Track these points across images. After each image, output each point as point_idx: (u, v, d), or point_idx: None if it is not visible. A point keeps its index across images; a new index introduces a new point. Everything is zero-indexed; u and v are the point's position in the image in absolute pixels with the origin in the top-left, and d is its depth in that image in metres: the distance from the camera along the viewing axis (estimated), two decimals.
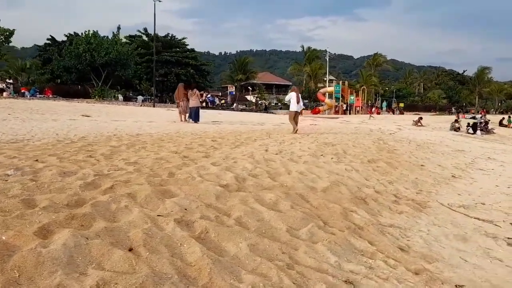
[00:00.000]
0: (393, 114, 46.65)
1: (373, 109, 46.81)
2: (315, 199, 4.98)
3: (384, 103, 55.21)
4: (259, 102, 56.08)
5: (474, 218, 6.09)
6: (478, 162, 12.46)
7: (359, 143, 10.55)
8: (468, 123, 24.18)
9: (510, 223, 6.06)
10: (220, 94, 72.22)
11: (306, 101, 54.59)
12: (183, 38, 54.37)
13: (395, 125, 24.29)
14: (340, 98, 43.17)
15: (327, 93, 45.31)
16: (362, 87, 47.02)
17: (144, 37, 54.45)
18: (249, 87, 69.72)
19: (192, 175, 4.87)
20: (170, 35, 54.26)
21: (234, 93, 65.14)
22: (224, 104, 53.35)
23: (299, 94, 13.03)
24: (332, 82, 46.42)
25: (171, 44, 52.47)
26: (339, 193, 5.50)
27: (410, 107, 59.62)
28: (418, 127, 24.78)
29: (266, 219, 4.03)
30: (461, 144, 17.30)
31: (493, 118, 36.59)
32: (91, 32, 44.04)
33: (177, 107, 20.26)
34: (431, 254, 4.30)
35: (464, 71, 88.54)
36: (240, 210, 4.02)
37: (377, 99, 65.49)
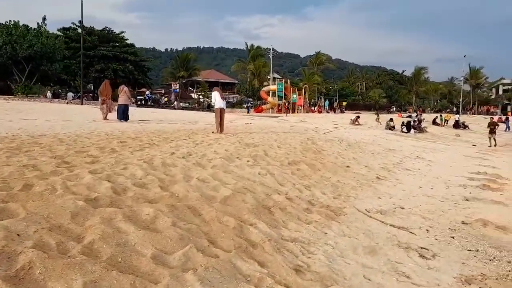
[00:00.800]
0: (334, 112, 47.38)
1: (315, 107, 47.41)
2: (209, 212, 4.29)
3: (327, 102, 56.13)
4: (202, 100, 54.91)
5: (390, 225, 5.70)
6: (406, 162, 12.43)
7: (285, 143, 10.06)
8: (403, 122, 24.73)
9: (426, 230, 5.73)
10: (163, 91, 70.18)
11: (251, 99, 54.18)
12: (122, 32, 51.96)
13: (333, 124, 24.35)
14: (283, 97, 43.13)
15: (270, 92, 45.11)
16: (305, 86, 47.28)
17: (80, 30, 51.40)
18: (194, 84, 68.33)
19: (55, 186, 4.01)
20: (107, 29, 51.66)
21: (178, 90, 63.44)
22: (167, 102, 51.71)
23: (222, 94, 12.44)
24: (276, 81, 46.27)
25: (108, 38, 49.92)
26: (242, 202, 4.86)
27: (352, 106, 61.05)
28: (355, 126, 25.01)
29: (130, 242, 3.28)
30: (393, 143, 17.46)
31: (429, 117, 38.05)
32: (11, 22, 40.53)
33: (101, 104, 18.65)
34: (331, 274, 3.75)
35: (403, 71, 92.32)
36: (97, 232, 3.24)
37: (320, 98, 66.50)
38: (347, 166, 9.45)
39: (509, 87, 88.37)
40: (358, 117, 26.73)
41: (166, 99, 57.57)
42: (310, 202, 5.95)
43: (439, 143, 20.58)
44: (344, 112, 47.28)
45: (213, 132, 11.96)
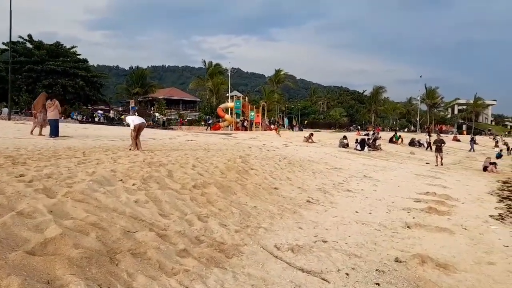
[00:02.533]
0: (292, 130, 46.59)
1: (273, 126, 46.46)
2: None
3: (286, 120, 55.47)
4: (158, 117, 52.88)
5: (298, 269, 4.33)
6: (350, 182, 11.26)
7: (206, 162, 8.65)
8: (356, 139, 23.92)
9: (346, 274, 4.39)
10: (120, 109, 67.67)
11: (209, 117, 52.76)
12: (73, 47, 49.53)
13: (285, 141, 23.24)
14: (241, 114, 41.98)
15: (228, 109, 43.89)
16: (262, 103, 46.34)
17: (28, 44, 48.71)
18: (153, 102, 66.25)
19: None
20: (58, 44, 49.06)
21: (136, 108, 61.23)
22: (120, 120, 49.33)
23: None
24: (233, 98, 45.12)
25: (58, 53, 47.32)
26: (71, 247, 3.34)
27: (312, 124, 60.67)
28: (309, 143, 24.00)
29: None
30: (342, 161, 16.40)
31: (386, 135, 37.75)
32: None
33: (34, 118, 17.06)
34: None
35: (364, 91, 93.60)
36: None
37: (281, 116, 65.90)
38: (275, 188, 8.11)
39: (464, 107, 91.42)
40: (312, 134, 25.76)
41: (123, 116, 55.13)
42: (198, 239, 4.52)
43: (391, 161, 19.75)
44: (302, 130, 46.57)
45: (130, 148, 10.42)
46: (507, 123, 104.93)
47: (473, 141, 37.90)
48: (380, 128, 62.14)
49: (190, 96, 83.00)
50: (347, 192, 9.53)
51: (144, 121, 10.44)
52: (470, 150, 33.71)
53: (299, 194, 8.21)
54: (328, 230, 6.03)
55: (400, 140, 33.52)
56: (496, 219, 8.81)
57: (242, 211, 5.90)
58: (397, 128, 54.37)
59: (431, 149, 30.41)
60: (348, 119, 79.94)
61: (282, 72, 60.28)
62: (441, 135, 55.81)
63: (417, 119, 69.27)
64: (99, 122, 39.73)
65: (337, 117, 75.36)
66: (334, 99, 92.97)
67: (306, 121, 65.99)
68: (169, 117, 60.09)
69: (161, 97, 76.57)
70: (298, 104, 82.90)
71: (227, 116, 41.70)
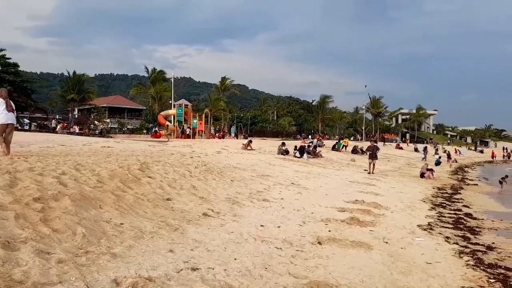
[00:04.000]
0: (237, 138, 45.44)
1: (219, 133, 45.08)
2: None
3: (233, 128, 54.28)
4: (97, 125, 49.89)
5: None
6: (272, 190, 10.08)
7: (86, 169, 7.12)
8: (295, 146, 23.03)
9: None
10: (59, 116, 63.55)
11: (152, 125, 50.49)
12: (2, 50, 45.69)
13: (222, 148, 21.92)
14: (183, 121, 40.18)
15: (172, 116, 41.96)
16: (206, 111, 44.81)
17: None
18: (93, 110, 62.84)
19: None
20: None
21: (76, 116, 57.71)
22: (54, 128, 45.93)
23: (11, 102, 8.72)
24: (175, 106, 43.26)
25: None
26: None
27: (259, 133, 59.84)
28: (247, 150, 22.84)
29: None
30: (274, 168, 15.29)
31: (331, 143, 37.38)
32: None
33: None
34: None
35: (313, 101, 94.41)
36: None
37: (230, 124, 64.64)
38: (167, 199, 6.73)
39: (407, 116, 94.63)
40: (251, 141, 24.60)
41: (60, 125, 51.55)
42: None
43: (329, 168, 18.93)
44: (247, 138, 45.55)
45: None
46: (447, 132, 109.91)
47: (425, 151, 38.87)
48: (326, 136, 62.41)
49: (136, 104, 79.89)
50: (263, 202, 8.30)
51: (13, 121, 8.47)
52: (423, 159, 34.12)
53: (198, 206, 6.87)
54: (210, 252, 4.72)
55: (343, 147, 33.21)
56: (424, 229, 7.94)
57: (93, 231, 4.46)
58: (343, 137, 54.69)
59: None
60: (297, 128, 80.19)
61: (228, 80, 59.04)
62: (386, 143, 57.18)
63: (363, 128, 70.37)
64: (25, 130, 36.45)
65: (286, 126, 75.29)
66: (284, 109, 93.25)
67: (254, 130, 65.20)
68: (111, 126, 57.13)
69: (105, 105, 73.04)
70: (248, 113, 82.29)
71: (169, 124, 39.76)
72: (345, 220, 7.60)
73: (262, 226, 6.34)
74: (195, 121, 40.29)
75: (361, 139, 63.78)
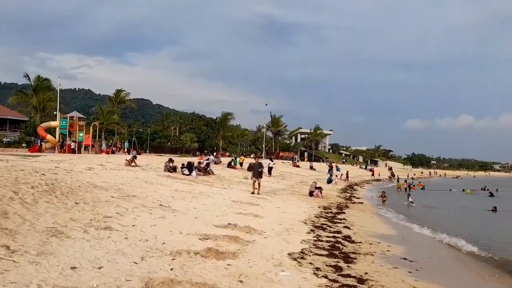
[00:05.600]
0: (128, 153, 42.41)
1: (109, 148, 41.58)
2: None
3: (127, 143, 50.81)
4: None
5: None
6: (127, 215, 8.40)
7: None
8: (183, 164, 21.43)
9: None
10: None
11: (34, 138, 45.05)
12: None
13: (99, 164, 19.50)
14: (67, 134, 36.17)
15: (55, 128, 37.55)
16: (94, 124, 41.02)
17: None
18: None
19: None
20: None
21: None
22: None
23: None
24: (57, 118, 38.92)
25: None
26: None
27: (157, 149, 56.97)
28: (131, 167, 20.69)
29: None
30: (149, 187, 13.54)
31: (226, 160, 36.37)
32: None
33: None
34: None
35: (217, 118, 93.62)
36: None
37: (128, 139, 60.67)
38: None
39: (306, 135, 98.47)
40: (135, 157, 22.43)
41: None
42: None
43: (216, 187, 17.64)
44: (140, 154, 42.77)
45: None
46: (342, 151, 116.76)
47: (331, 170, 39.74)
48: (227, 153, 61.74)
49: (20, 115, 71.62)
50: (102, 232, 6.61)
51: None
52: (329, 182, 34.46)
53: None
54: None
55: (238, 164, 32.39)
56: (295, 259, 6.89)
57: None
58: (244, 154, 54.54)
59: (269, 174, 29.87)
60: (199, 145, 78.50)
61: (123, 93, 55.33)
62: (284, 161, 58.18)
63: (263, 145, 71.19)
64: None
65: (187, 142, 73.24)
66: (187, 125, 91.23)
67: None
68: None
69: None
70: (149, 129, 78.63)
71: (49, 137, 35.41)
72: (200, 252, 6.23)
73: (73, 268, 4.68)
74: (81, 134, 36.52)
75: (262, 157, 64.25)
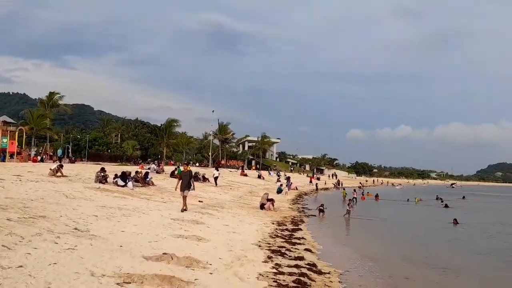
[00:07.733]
0: (60, 162, 38.53)
1: (37, 156, 37.46)
2: None
3: (59, 151, 46.42)
4: None
5: None
6: (18, 248, 6.10)
7: None
8: (116, 174, 18.84)
9: None
10: None
11: None
12: None
13: (17, 174, 16.55)
14: None
15: None
16: (19, 128, 36.69)
17: None
18: None
19: None
20: None
21: None
22: None
23: None
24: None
25: None
26: None
27: (95, 156, 52.82)
28: (57, 177, 17.84)
29: None
30: (68, 203, 11.08)
31: (170, 169, 33.83)
32: None
33: None
34: None
35: (161, 125, 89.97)
36: None
37: (65, 146, 55.90)
38: None
39: (253, 143, 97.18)
40: (61, 166, 19.52)
41: None
42: None
43: (154, 200, 15.35)
44: (74, 163, 39.02)
45: None
46: (289, 159, 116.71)
47: (289, 181, 38.32)
48: (171, 162, 58.72)
49: None
50: None
51: None
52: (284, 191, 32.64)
53: None
54: None
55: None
56: None
57: None
58: (191, 162, 51.93)
59: (215, 184, 27.87)
60: (142, 152, 74.62)
61: (57, 95, 50.55)
62: (231, 170, 56.24)
63: (210, 153, 68.80)
64: None
65: (129, 149, 69.19)
66: (129, 131, 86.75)
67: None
68: None
69: None
70: (88, 135, 73.55)
71: None
72: None
73: None
74: (5, 140, 32.40)
75: (208, 165, 61.88)
